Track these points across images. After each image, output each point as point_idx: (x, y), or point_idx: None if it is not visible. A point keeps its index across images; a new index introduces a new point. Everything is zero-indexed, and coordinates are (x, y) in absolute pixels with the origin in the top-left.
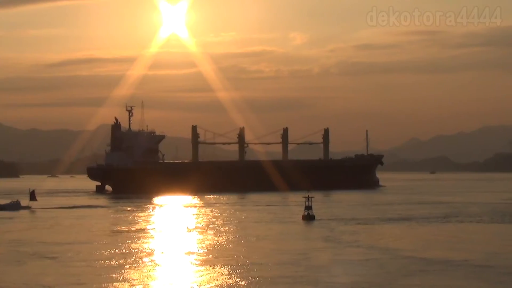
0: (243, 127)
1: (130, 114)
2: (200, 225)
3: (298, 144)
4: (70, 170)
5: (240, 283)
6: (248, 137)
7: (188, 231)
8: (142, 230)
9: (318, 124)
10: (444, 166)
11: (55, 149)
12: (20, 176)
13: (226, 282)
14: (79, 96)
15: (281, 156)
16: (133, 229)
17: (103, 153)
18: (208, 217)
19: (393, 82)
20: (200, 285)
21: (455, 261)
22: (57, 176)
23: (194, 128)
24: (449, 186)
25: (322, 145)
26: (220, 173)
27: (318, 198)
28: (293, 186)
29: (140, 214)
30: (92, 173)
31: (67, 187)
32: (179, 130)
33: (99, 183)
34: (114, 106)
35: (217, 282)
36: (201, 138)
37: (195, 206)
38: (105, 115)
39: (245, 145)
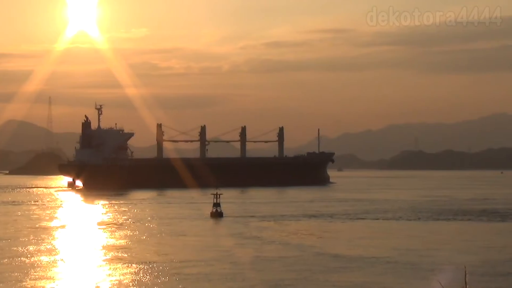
0: (204, 125)
1: (100, 113)
2: (124, 221)
3: (254, 142)
4: None
5: (145, 278)
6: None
7: (106, 227)
8: (66, 227)
9: (229, 121)
10: (351, 163)
11: None
12: None
13: (144, 280)
14: None
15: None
16: (59, 225)
17: (9, 149)
18: (133, 214)
19: (302, 80)
20: (119, 283)
21: (372, 257)
22: None
23: (159, 126)
24: (360, 183)
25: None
26: (184, 169)
27: (248, 195)
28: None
29: (73, 211)
30: (64, 170)
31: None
32: None
33: (70, 179)
34: (23, 102)
35: (139, 280)
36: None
37: (132, 202)
38: (13, 111)
39: (207, 143)
